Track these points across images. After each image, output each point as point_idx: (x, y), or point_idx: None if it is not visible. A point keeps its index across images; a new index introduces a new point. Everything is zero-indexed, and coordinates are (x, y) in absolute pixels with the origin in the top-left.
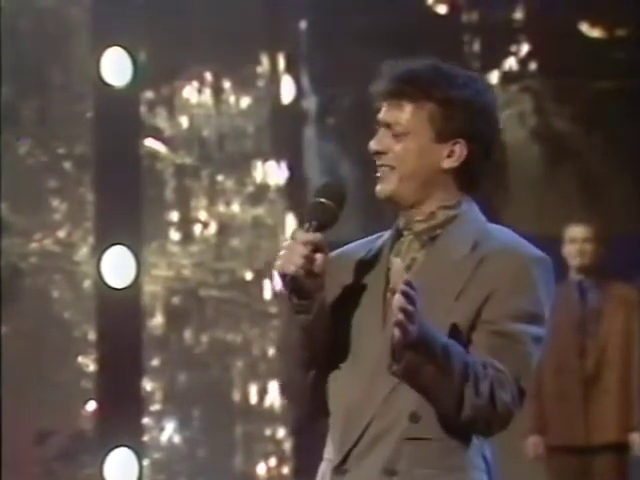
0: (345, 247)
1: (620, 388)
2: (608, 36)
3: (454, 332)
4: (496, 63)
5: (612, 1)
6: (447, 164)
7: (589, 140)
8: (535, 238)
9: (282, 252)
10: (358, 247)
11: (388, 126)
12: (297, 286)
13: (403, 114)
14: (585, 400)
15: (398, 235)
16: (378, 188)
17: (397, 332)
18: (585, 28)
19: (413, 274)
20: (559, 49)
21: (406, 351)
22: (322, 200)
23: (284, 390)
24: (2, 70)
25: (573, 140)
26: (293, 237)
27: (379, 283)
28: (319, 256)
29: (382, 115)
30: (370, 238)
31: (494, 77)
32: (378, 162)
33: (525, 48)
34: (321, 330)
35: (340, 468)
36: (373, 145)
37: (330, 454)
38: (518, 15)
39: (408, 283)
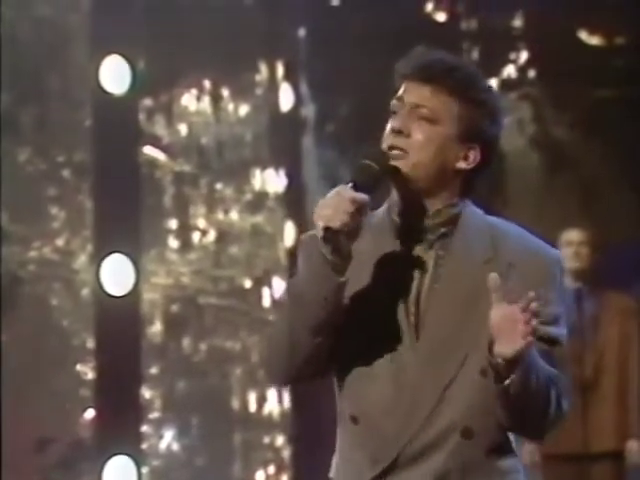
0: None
1: (618, 396)
2: (607, 44)
3: (488, 341)
4: (495, 70)
5: (611, 9)
6: (461, 165)
7: (588, 147)
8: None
9: (326, 204)
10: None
11: (414, 108)
12: (335, 242)
13: (435, 101)
14: (583, 408)
15: (408, 230)
16: (392, 162)
17: (521, 346)
18: (584, 36)
19: (442, 284)
20: (558, 56)
21: (520, 363)
22: (368, 162)
23: (277, 351)
24: (1, 77)
25: (572, 147)
26: (339, 193)
27: (399, 285)
28: (362, 216)
29: (410, 95)
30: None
31: (493, 84)
32: (392, 141)
33: (524, 55)
34: (342, 296)
35: None
36: (395, 123)
37: (354, 464)
38: (517, 22)
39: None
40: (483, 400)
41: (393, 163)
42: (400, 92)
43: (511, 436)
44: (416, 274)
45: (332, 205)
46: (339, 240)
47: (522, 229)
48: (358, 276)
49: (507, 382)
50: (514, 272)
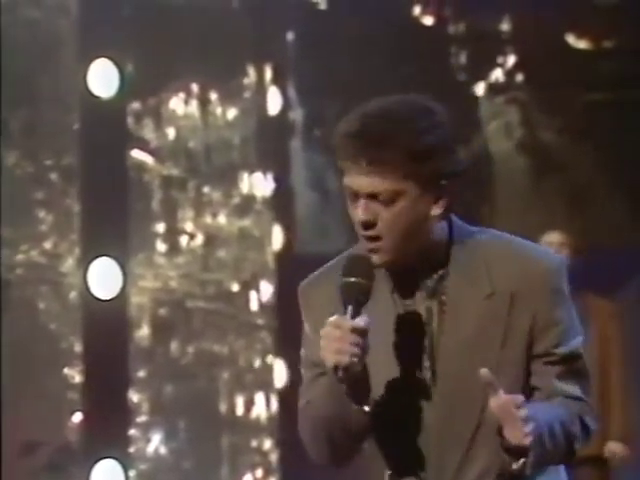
0: (318, 275)
1: (600, 400)
2: (595, 48)
3: (507, 381)
4: (483, 74)
5: (599, 13)
6: (436, 211)
7: (576, 152)
8: None
9: (330, 341)
10: (331, 280)
11: (371, 195)
12: (352, 376)
13: (385, 184)
14: None
15: (399, 281)
16: (375, 258)
17: (523, 443)
18: (572, 40)
19: (448, 330)
20: (546, 61)
21: (530, 449)
22: (355, 280)
23: (321, 451)
24: None
25: (560, 152)
26: (338, 325)
27: (411, 339)
28: (366, 340)
29: (361, 185)
30: (339, 263)
31: (481, 88)
32: (365, 233)
33: (512, 59)
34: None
35: None
36: (363, 216)
37: None
38: (505, 26)
39: (519, 403)
40: None
41: (375, 259)
42: (349, 179)
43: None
44: (422, 327)
45: (336, 341)
46: (354, 372)
47: (513, 242)
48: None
49: (521, 462)
50: (517, 302)
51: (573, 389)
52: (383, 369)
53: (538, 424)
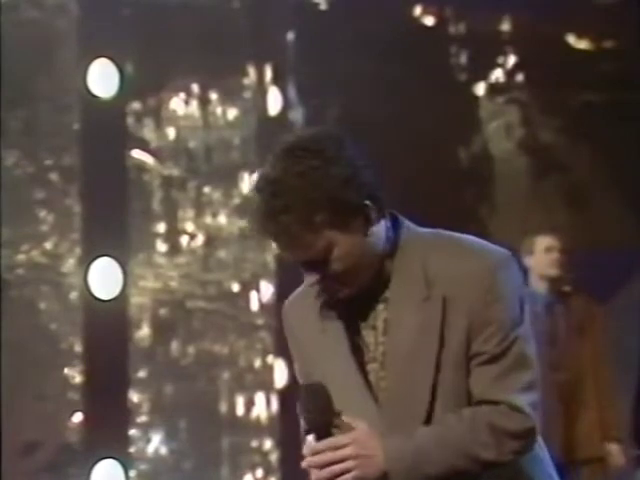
0: (296, 295)
1: (598, 401)
2: (595, 48)
3: (447, 383)
4: (483, 75)
5: (599, 13)
6: (368, 231)
7: (576, 152)
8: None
9: (322, 474)
10: (306, 302)
11: (308, 260)
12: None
13: (306, 248)
14: (563, 416)
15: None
16: (341, 296)
17: None
18: (572, 40)
19: (391, 336)
20: (546, 61)
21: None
22: (309, 418)
23: None
24: None
25: (560, 152)
26: (314, 452)
27: (348, 358)
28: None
29: (293, 258)
30: (312, 288)
31: (481, 89)
32: (327, 292)
33: (512, 60)
34: None
35: None
36: (314, 277)
37: None
38: (505, 27)
39: (313, 451)
40: None
41: (342, 297)
42: (289, 257)
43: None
44: (371, 337)
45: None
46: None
47: (453, 243)
48: (318, 360)
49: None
50: (450, 304)
51: (497, 391)
52: (340, 391)
53: (391, 458)
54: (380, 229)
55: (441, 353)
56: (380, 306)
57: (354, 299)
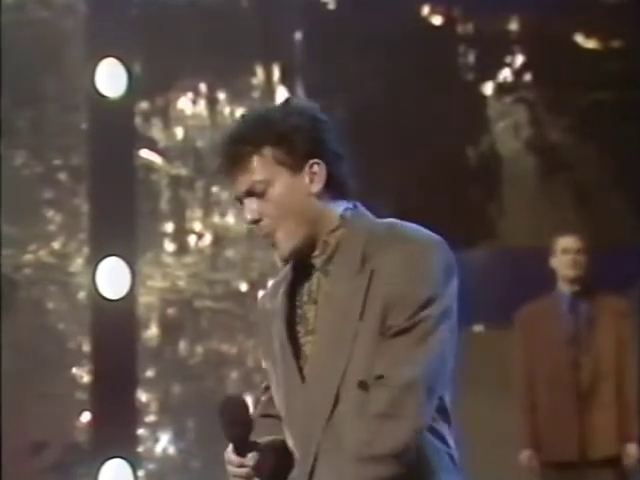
0: (267, 288)
1: (617, 401)
2: (603, 47)
3: (362, 352)
4: (491, 74)
5: (607, 12)
6: (315, 188)
7: (584, 151)
8: (529, 249)
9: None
10: (275, 287)
11: (248, 193)
12: None
13: (253, 175)
14: (580, 414)
15: (307, 270)
16: (277, 254)
17: None
18: (580, 39)
19: (323, 308)
20: (554, 60)
21: None
22: (226, 432)
23: None
24: None
25: (568, 151)
26: (228, 462)
27: (282, 332)
28: (258, 459)
29: (236, 188)
30: (282, 274)
31: (489, 88)
32: (259, 232)
33: (520, 59)
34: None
35: None
36: (249, 216)
37: None
38: (513, 26)
39: None
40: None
41: (279, 255)
42: (233, 191)
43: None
44: (311, 311)
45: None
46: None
47: (396, 226)
48: (268, 340)
49: None
50: (376, 277)
51: (385, 365)
52: (279, 367)
53: None
54: (333, 205)
55: (360, 322)
56: (323, 280)
57: (300, 273)
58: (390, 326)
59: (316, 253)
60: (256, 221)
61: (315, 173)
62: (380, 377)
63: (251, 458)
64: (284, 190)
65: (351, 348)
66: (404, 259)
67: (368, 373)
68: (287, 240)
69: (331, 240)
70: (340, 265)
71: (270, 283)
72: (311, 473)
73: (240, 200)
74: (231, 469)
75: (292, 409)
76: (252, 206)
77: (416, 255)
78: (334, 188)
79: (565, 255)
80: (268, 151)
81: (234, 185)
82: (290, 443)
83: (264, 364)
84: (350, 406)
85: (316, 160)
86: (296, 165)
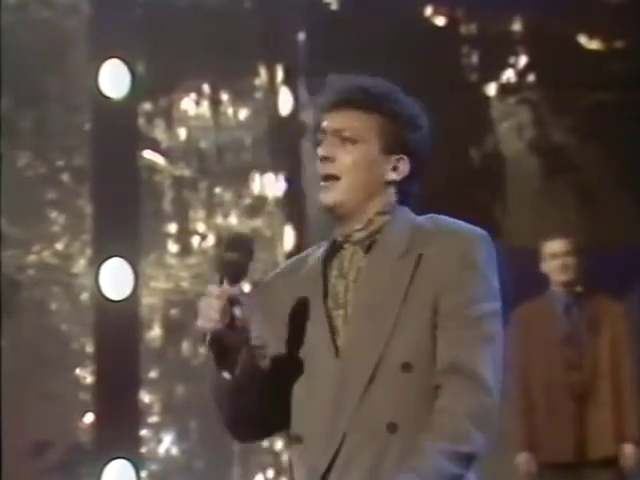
0: (281, 267)
1: (614, 401)
2: (607, 48)
3: (406, 334)
4: (494, 75)
5: (610, 13)
6: (390, 177)
7: (587, 152)
8: (532, 250)
9: (199, 310)
10: (293, 265)
11: (337, 133)
12: (219, 341)
13: (354, 122)
14: (578, 415)
15: (338, 247)
16: (321, 197)
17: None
18: (584, 40)
19: (359, 286)
20: (557, 61)
21: None
22: (226, 255)
23: (225, 424)
24: (1, 81)
25: (570, 152)
26: (206, 294)
27: (319, 302)
28: (236, 308)
29: (330, 122)
30: (302, 254)
31: (492, 89)
32: (323, 170)
33: (523, 60)
34: (251, 376)
35: None
36: (321, 151)
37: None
38: (516, 27)
39: None
40: (407, 394)
41: (326, 199)
42: (323, 123)
43: None
44: (341, 285)
45: (201, 310)
46: (222, 339)
47: (443, 219)
48: (295, 309)
49: None
50: (424, 261)
51: (466, 359)
52: (304, 329)
53: None
54: (391, 196)
55: (403, 304)
56: (358, 256)
57: (330, 248)
58: (447, 314)
59: (358, 227)
60: (327, 158)
61: (398, 166)
62: (454, 369)
63: (237, 288)
64: (368, 157)
65: (392, 329)
66: (457, 248)
67: (413, 357)
68: (341, 192)
69: (377, 220)
70: (383, 246)
71: (287, 262)
72: (338, 450)
73: (323, 132)
74: (206, 300)
75: (321, 382)
76: (333, 145)
77: (469, 244)
78: (403, 190)
79: (554, 259)
80: (379, 118)
81: (326, 118)
82: (301, 417)
83: (260, 340)
84: (386, 387)
85: (405, 157)
86: (390, 148)
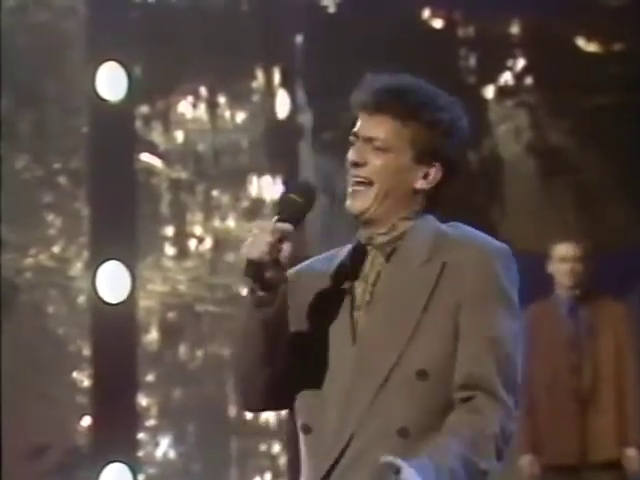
0: (304, 263)
1: (617, 404)
2: (604, 50)
3: (426, 345)
4: (492, 78)
5: (608, 15)
6: (420, 185)
7: (585, 155)
8: (531, 253)
9: (249, 239)
10: (318, 263)
11: (369, 140)
12: (260, 274)
13: (387, 130)
14: (580, 418)
15: (361, 249)
16: (349, 203)
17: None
18: (581, 42)
19: (378, 290)
20: (555, 64)
21: None
22: (291, 195)
23: (238, 384)
24: (0, 84)
25: (569, 155)
26: (260, 225)
27: (344, 300)
28: (285, 245)
29: (362, 128)
30: (330, 253)
31: (490, 92)
32: (354, 174)
33: (521, 63)
34: (281, 326)
35: None
36: (352, 156)
37: (307, 473)
38: (514, 29)
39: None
40: (420, 401)
41: (354, 206)
42: (356, 126)
43: None
44: (360, 287)
45: (252, 239)
46: (263, 272)
47: (467, 229)
48: (314, 304)
49: None
50: (448, 270)
51: (487, 377)
52: (320, 321)
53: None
54: (417, 203)
55: (424, 313)
56: (378, 260)
57: (353, 251)
58: (467, 329)
59: (381, 231)
60: (357, 164)
61: (429, 175)
62: (477, 386)
63: (290, 228)
64: (399, 165)
65: (411, 336)
66: (482, 262)
67: (430, 365)
68: (370, 198)
69: (400, 226)
70: (406, 252)
71: (314, 258)
72: (344, 449)
73: (355, 135)
74: (258, 231)
75: (335, 380)
76: (364, 151)
77: (494, 258)
78: (432, 198)
79: (563, 263)
80: (414, 127)
81: (360, 118)
82: (312, 408)
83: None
84: (400, 392)
85: (437, 164)
86: (422, 157)
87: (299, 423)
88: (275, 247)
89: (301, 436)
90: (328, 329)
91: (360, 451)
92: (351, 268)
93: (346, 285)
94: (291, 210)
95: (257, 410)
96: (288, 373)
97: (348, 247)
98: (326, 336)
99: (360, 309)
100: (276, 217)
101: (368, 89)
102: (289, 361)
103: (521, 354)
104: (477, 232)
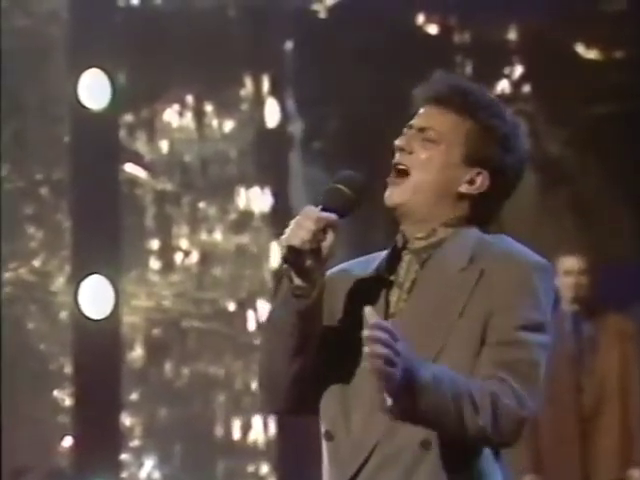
0: (340, 266)
1: (621, 424)
2: (604, 58)
3: (458, 351)
4: (489, 85)
5: (608, 23)
6: (464, 189)
7: (584, 164)
8: None
9: (291, 226)
10: (354, 266)
11: (421, 130)
12: (299, 262)
13: (444, 121)
14: (583, 437)
15: (397, 254)
16: (388, 193)
17: (377, 379)
18: (581, 50)
19: (413, 297)
20: (554, 71)
21: (397, 393)
22: (339, 186)
23: (262, 379)
24: None
25: (567, 164)
26: (306, 211)
27: (377, 305)
28: (329, 236)
29: (419, 118)
30: (367, 257)
31: None
32: (396, 160)
33: (519, 70)
34: (316, 320)
35: None
36: (399, 141)
37: None
38: (512, 36)
39: (379, 326)
40: None
41: (391, 197)
42: (413, 119)
43: (482, 449)
44: (395, 295)
45: (295, 223)
46: (302, 260)
47: (511, 241)
48: (348, 308)
49: (388, 409)
50: (485, 278)
51: (503, 373)
52: (350, 325)
53: (413, 371)
54: (460, 210)
55: (459, 319)
56: (414, 267)
57: (388, 257)
58: (495, 333)
59: (420, 235)
60: (403, 150)
61: (475, 180)
62: (502, 379)
63: (332, 215)
64: (446, 159)
65: (444, 342)
66: (520, 273)
67: (461, 374)
68: (407, 191)
69: (440, 232)
70: (443, 259)
71: (353, 260)
72: (367, 459)
73: (410, 127)
74: (302, 218)
75: (362, 387)
76: (413, 139)
77: (531, 271)
78: (479, 209)
79: (567, 277)
80: (471, 125)
81: (416, 110)
82: (335, 415)
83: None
84: None
85: (485, 172)
86: (472, 159)
87: (322, 430)
88: (317, 236)
89: (324, 443)
90: (359, 335)
91: (382, 462)
92: (386, 274)
93: (381, 291)
94: (338, 201)
95: (277, 411)
96: (315, 374)
97: (386, 250)
98: (356, 342)
99: (394, 316)
100: (320, 206)
101: (433, 84)
102: (317, 362)
103: (545, 369)
104: (520, 245)
